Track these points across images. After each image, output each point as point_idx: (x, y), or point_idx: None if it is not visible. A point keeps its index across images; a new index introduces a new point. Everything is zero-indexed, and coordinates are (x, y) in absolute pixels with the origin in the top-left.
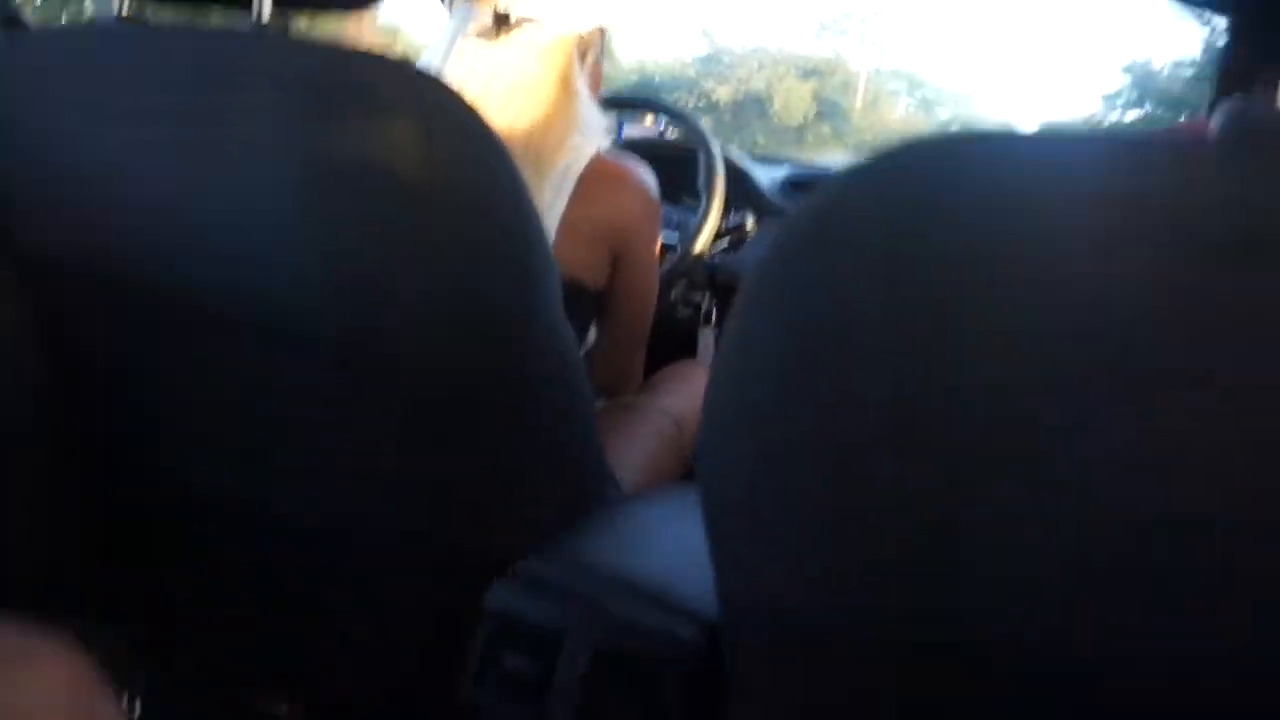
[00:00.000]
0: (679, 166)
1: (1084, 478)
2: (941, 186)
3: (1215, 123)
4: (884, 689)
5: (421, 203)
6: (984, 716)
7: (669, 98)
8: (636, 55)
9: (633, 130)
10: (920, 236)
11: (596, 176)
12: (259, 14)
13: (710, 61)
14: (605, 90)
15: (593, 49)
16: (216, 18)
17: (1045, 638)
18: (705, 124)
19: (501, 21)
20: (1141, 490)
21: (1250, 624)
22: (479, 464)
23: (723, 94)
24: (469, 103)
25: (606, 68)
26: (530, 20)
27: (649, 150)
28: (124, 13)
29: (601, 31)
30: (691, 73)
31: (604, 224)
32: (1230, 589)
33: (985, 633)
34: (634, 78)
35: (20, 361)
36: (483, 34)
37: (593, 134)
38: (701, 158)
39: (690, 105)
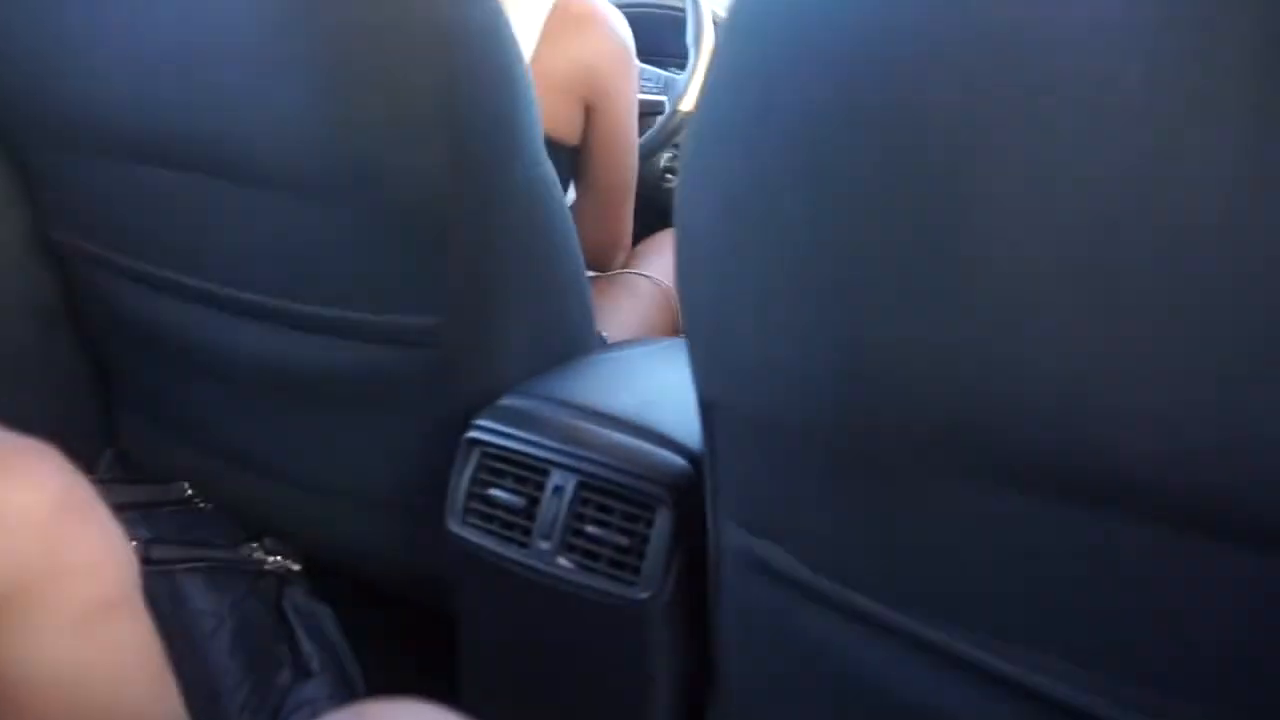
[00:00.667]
0: (667, 28)
1: (1093, 182)
2: None
3: None
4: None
5: (401, 17)
6: (990, 475)
7: None
8: None
9: None
10: None
11: (563, 17)
12: None
13: None
14: None
15: None
16: None
17: (1045, 370)
18: None
19: None
20: (1148, 221)
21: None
22: (460, 308)
23: None
24: None
25: None
26: None
27: (634, 10)
28: None
29: None
30: None
31: (575, 69)
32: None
33: (985, 376)
34: None
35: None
36: None
37: None
38: (690, 11)
39: None
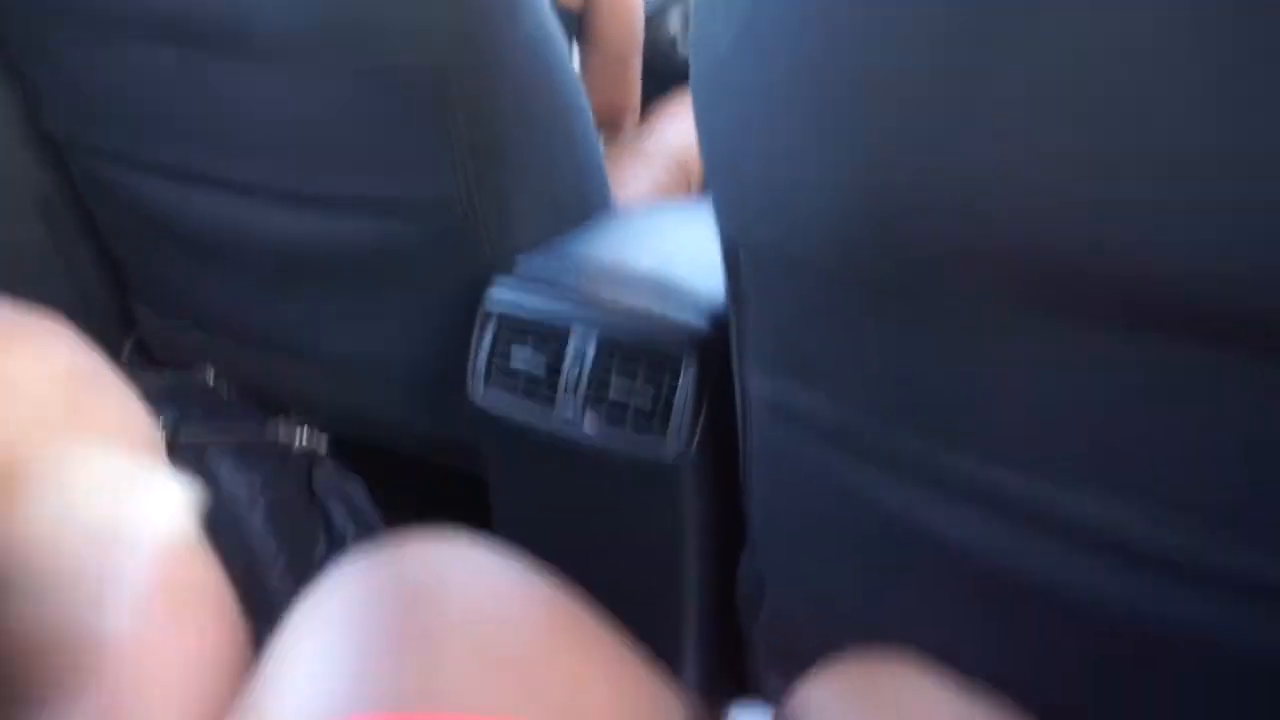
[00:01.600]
0: None
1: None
2: None
3: None
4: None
5: None
6: (994, 313)
7: None
8: None
9: None
10: None
11: None
12: None
13: None
14: None
15: None
16: None
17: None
18: None
19: None
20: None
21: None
22: (468, 174)
23: None
24: None
25: None
26: None
27: None
28: None
29: None
30: None
31: None
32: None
33: (1001, 194)
34: None
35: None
36: None
37: None
38: None
39: None
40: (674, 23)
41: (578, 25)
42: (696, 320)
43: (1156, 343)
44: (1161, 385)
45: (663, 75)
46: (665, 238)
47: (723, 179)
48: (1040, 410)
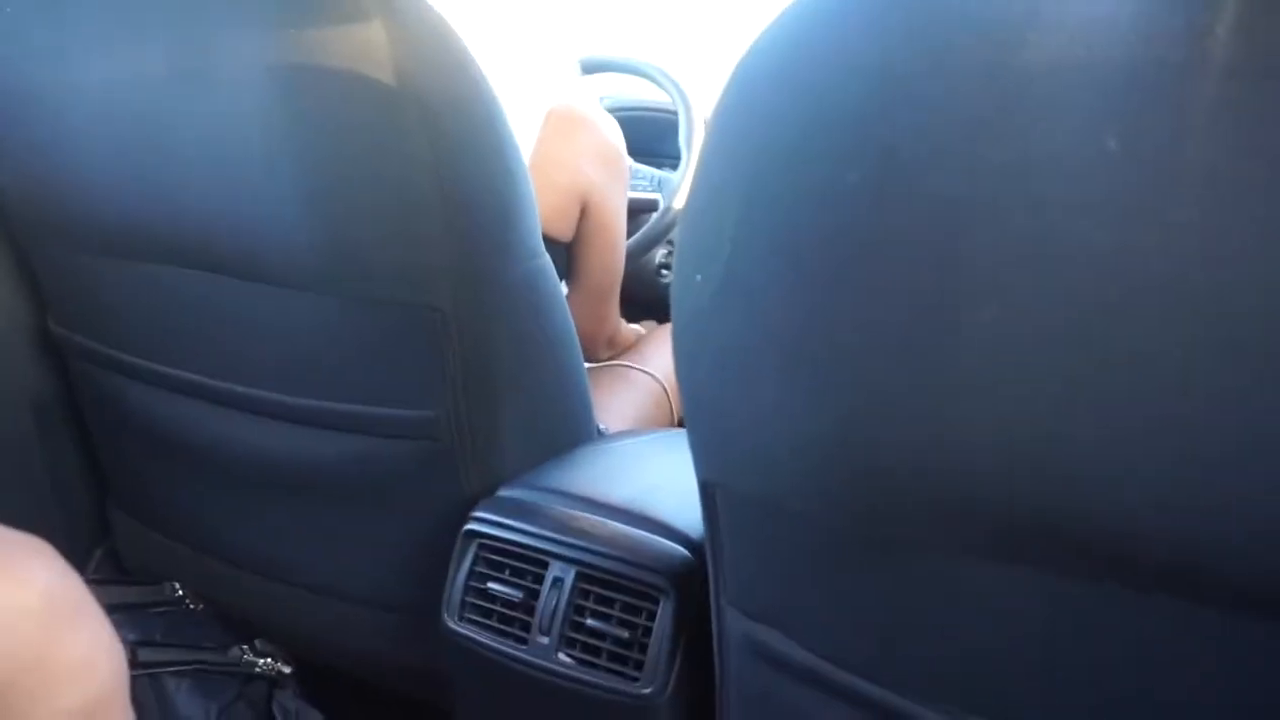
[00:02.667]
0: (661, 129)
1: (1088, 279)
2: None
3: None
4: (873, 532)
5: (389, 109)
6: (978, 552)
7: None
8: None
9: (612, 95)
10: (897, 30)
11: (559, 121)
12: None
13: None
14: (584, 58)
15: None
16: None
17: (1043, 460)
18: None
19: None
20: (1143, 297)
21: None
22: (457, 402)
23: None
24: (437, 11)
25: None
26: None
27: (630, 114)
28: None
29: None
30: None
31: (570, 170)
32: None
33: (976, 452)
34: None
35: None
36: None
37: (559, 78)
38: (681, 113)
39: None
40: (660, 253)
41: (565, 258)
42: (676, 553)
43: (1130, 598)
44: (1135, 638)
45: (649, 303)
46: (647, 467)
47: (702, 426)
48: (1021, 663)
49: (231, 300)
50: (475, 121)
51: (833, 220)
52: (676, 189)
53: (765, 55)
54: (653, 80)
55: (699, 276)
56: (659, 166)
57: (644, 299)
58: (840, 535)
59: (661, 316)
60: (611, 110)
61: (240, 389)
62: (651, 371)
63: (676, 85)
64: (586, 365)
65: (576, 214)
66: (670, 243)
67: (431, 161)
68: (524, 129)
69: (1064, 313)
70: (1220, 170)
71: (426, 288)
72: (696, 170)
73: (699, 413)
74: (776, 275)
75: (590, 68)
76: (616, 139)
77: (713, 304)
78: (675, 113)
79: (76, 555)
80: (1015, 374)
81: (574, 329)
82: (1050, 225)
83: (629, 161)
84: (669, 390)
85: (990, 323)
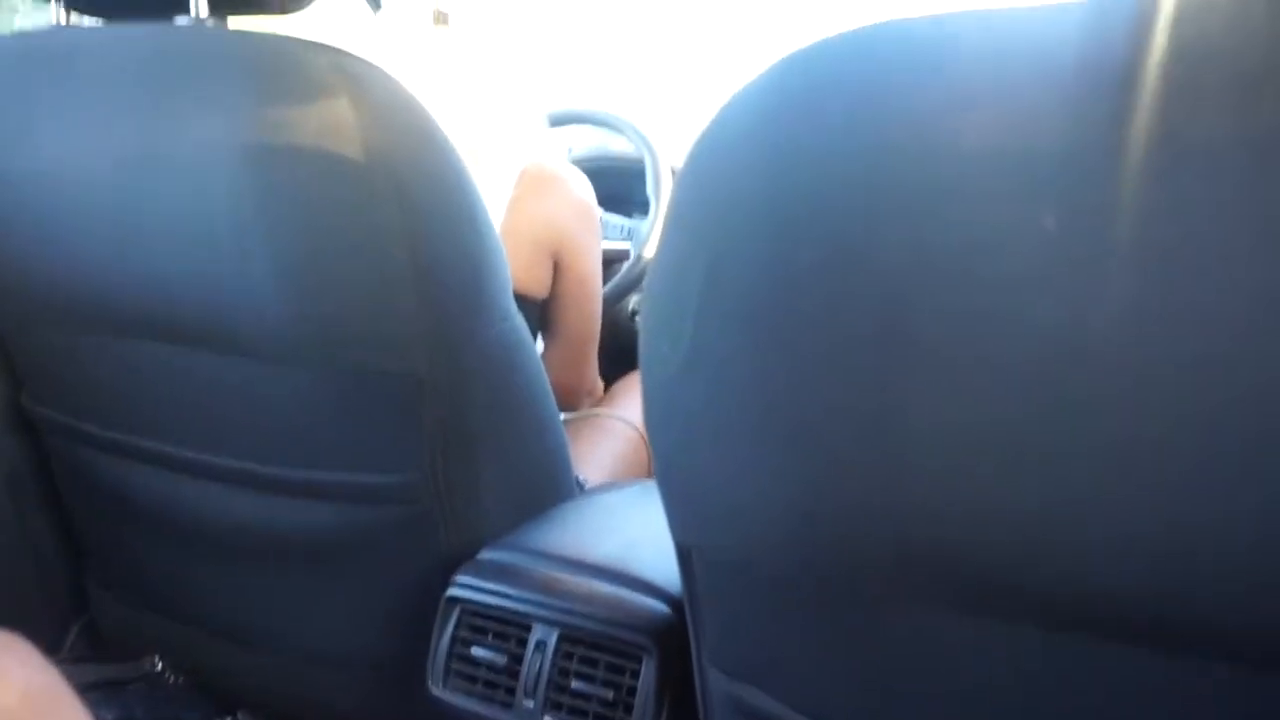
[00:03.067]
0: (628, 178)
1: (1030, 351)
2: (865, 70)
3: None
4: (851, 596)
5: (359, 183)
6: (941, 620)
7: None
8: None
9: (580, 147)
10: (863, 101)
11: (529, 181)
12: (195, 13)
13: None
14: (551, 111)
15: (527, 58)
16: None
17: (996, 528)
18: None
19: (439, 19)
20: (1083, 367)
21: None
22: (434, 467)
23: None
24: (402, 85)
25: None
26: (466, 21)
27: (598, 164)
28: (62, 20)
29: (536, 41)
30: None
31: (543, 229)
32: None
33: (934, 528)
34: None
35: None
36: (417, 30)
37: (529, 138)
38: (648, 164)
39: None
40: (633, 300)
41: (540, 313)
42: (658, 611)
43: (1084, 642)
44: (1103, 687)
45: (623, 349)
46: (627, 522)
47: (675, 490)
48: (998, 713)
49: (206, 373)
50: (445, 190)
51: (788, 298)
52: (646, 238)
53: (720, 139)
54: (617, 131)
55: (666, 347)
56: (629, 215)
57: (618, 346)
58: (815, 594)
59: (635, 363)
60: (579, 161)
61: (217, 460)
62: (627, 419)
63: (640, 135)
64: (562, 416)
65: (550, 271)
66: (640, 283)
67: (403, 232)
68: (496, 190)
69: (1006, 384)
70: (1147, 246)
71: (401, 355)
72: (659, 243)
73: (672, 477)
74: (739, 349)
75: (556, 120)
76: (587, 195)
77: (680, 374)
78: (641, 162)
79: (54, 630)
80: (964, 443)
81: (548, 385)
82: (992, 302)
83: (600, 213)
84: (645, 437)
85: (938, 395)
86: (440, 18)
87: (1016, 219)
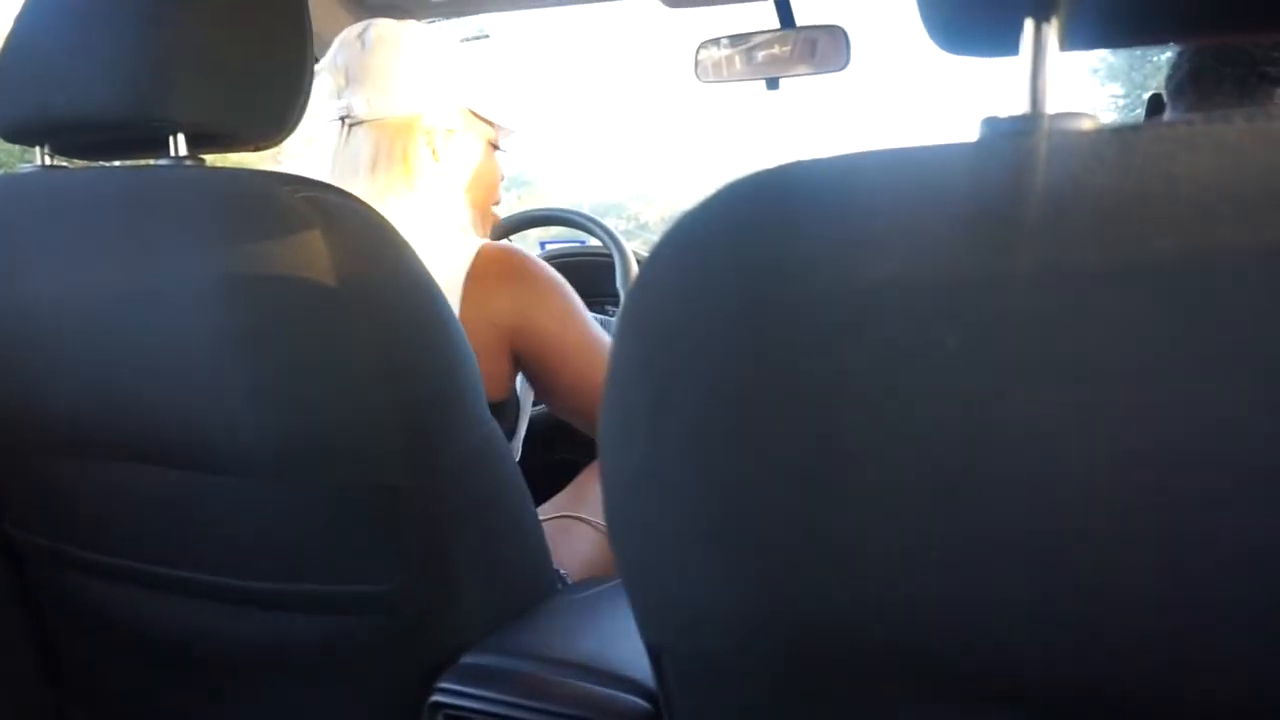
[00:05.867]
0: (599, 273)
1: (946, 457)
2: (780, 209)
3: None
4: (812, 689)
5: (333, 311)
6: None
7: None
8: (568, 194)
9: (554, 245)
10: (780, 242)
11: (482, 273)
12: (175, 152)
13: (636, 189)
14: (521, 212)
15: (458, 141)
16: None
17: (951, 619)
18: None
19: (342, 125)
20: (992, 468)
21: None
22: (414, 574)
23: (650, 215)
24: (375, 211)
25: (537, 202)
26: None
27: (570, 261)
28: (46, 163)
29: (480, 124)
30: (621, 198)
31: (501, 323)
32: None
33: (886, 624)
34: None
35: None
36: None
37: (472, 229)
38: (616, 259)
39: (622, 228)
40: None
41: (516, 414)
42: (638, 705)
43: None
44: None
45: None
46: (609, 619)
47: (639, 592)
48: None
49: (184, 491)
50: (417, 311)
51: (729, 418)
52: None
53: (664, 264)
54: (583, 228)
55: (620, 458)
56: (601, 309)
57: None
58: (782, 685)
59: None
60: (551, 255)
61: (195, 576)
62: (598, 522)
63: (608, 233)
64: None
65: (513, 368)
66: None
67: (377, 356)
68: (445, 285)
69: (928, 489)
70: (1034, 360)
71: (377, 471)
72: (611, 356)
73: (635, 580)
74: (687, 464)
75: (525, 221)
76: (546, 273)
77: (635, 485)
78: (609, 256)
79: None
80: (896, 539)
81: (524, 486)
82: (910, 415)
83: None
84: None
85: (871, 502)
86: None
87: (923, 340)
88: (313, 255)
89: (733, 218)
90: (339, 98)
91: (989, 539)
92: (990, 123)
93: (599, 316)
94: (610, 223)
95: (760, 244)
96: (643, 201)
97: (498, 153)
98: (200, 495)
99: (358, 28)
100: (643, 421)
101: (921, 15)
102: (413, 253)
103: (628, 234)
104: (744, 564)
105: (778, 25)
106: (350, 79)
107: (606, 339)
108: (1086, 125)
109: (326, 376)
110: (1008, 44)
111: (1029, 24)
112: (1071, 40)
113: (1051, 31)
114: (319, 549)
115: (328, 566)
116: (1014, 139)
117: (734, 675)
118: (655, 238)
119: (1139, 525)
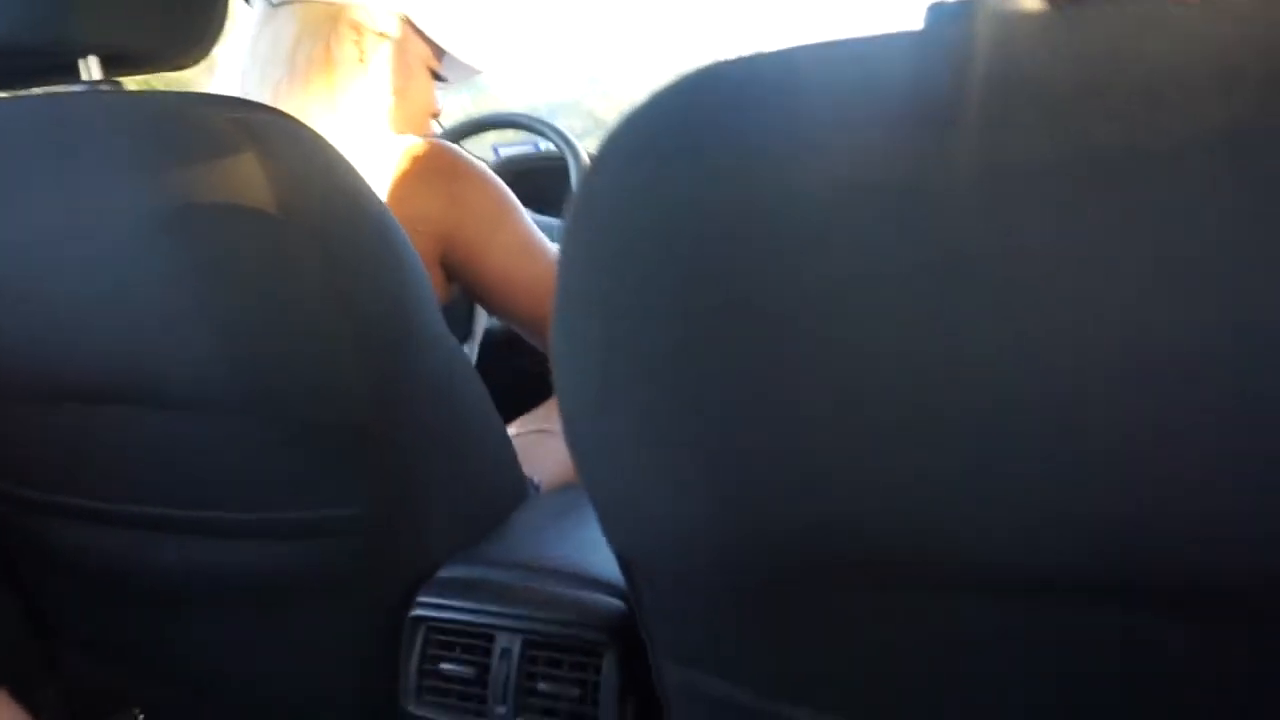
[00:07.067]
0: (556, 178)
1: (917, 357)
2: (722, 114)
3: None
4: (786, 596)
5: (278, 238)
6: (875, 612)
7: (555, 120)
8: (523, 93)
9: (508, 149)
10: (725, 147)
11: (408, 168)
12: (89, 76)
13: (594, 83)
14: (477, 114)
15: (389, 52)
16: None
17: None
18: (588, 149)
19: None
20: (953, 383)
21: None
22: (384, 495)
23: (608, 112)
24: (307, 127)
25: (489, 102)
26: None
27: (525, 168)
28: None
29: (419, 41)
30: (579, 95)
31: (431, 226)
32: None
33: (845, 519)
34: (521, 108)
35: None
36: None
37: (401, 126)
38: (571, 163)
39: (578, 127)
40: None
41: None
42: (614, 606)
43: (1015, 609)
44: (1045, 646)
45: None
46: (581, 524)
47: (603, 508)
48: (935, 678)
49: (149, 429)
50: (365, 234)
51: (684, 338)
52: None
53: (601, 186)
54: (537, 132)
55: (576, 383)
56: (557, 215)
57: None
58: (751, 589)
59: None
60: (507, 160)
61: (165, 512)
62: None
63: (562, 136)
64: (511, 430)
65: (439, 268)
66: None
67: (328, 284)
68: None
69: (885, 385)
70: (986, 268)
71: (341, 399)
72: (557, 283)
73: (599, 497)
74: (643, 390)
75: (481, 124)
76: (479, 167)
77: (594, 405)
78: (564, 159)
79: (25, 699)
80: (856, 452)
81: (488, 398)
82: (862, 315)
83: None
84: None
85: (823, 410)
86: None
87: (871, 243)
88: (250, 181)
89: (674, 124)
90: None
91: (949, 443)
92: (935, 8)
93: (554, 222)
94: (567, 121)
95: (704, 154)
96: (601, 96)
97: (437, 83)
98: (162, 432)
99: None
100: (595, 350)
101: None
102: (350, 168)
103: (585, 132)
104: (705, 485)
105: None
106: None
107: (548, 243)
108: (1032, 2)
109: (276, 309)
110: None
111: None
112: None
113: None
114: (287, 479)
115: (298, 494)
116: (957, 24)
117: (703, 580)
118: None
119: (1090, 412)
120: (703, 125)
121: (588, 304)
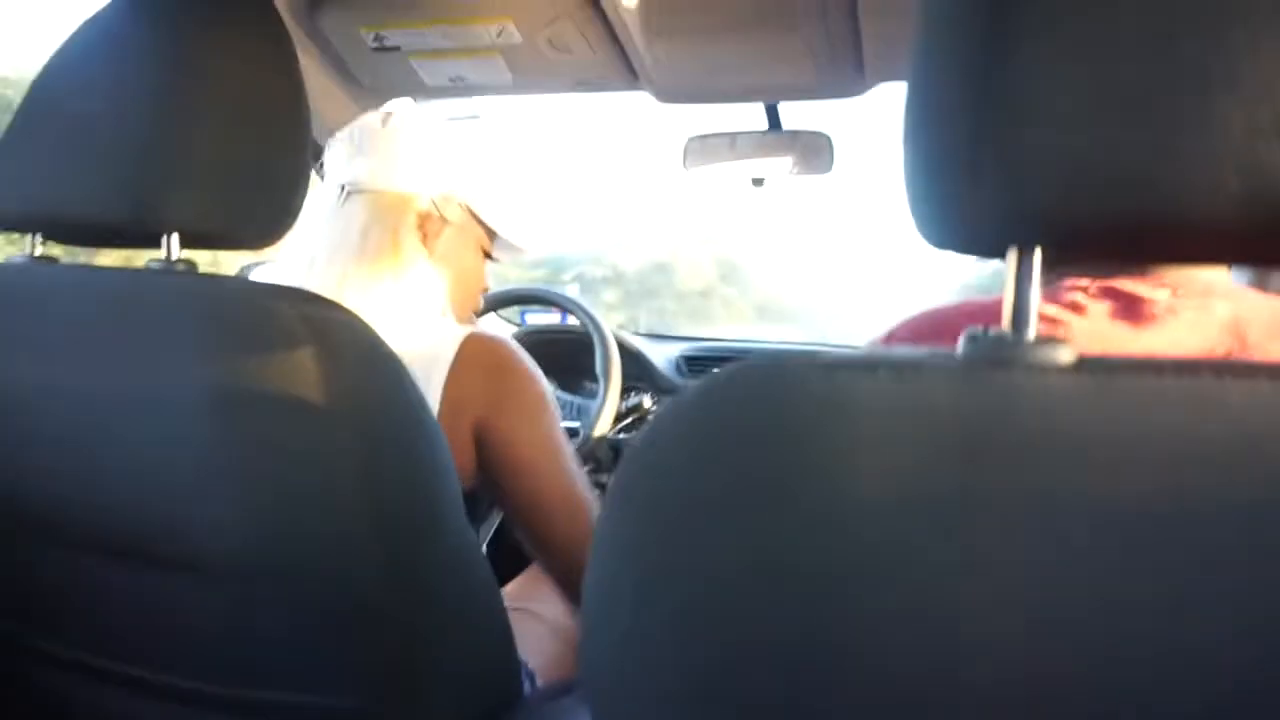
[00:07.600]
0: (579, 351)
1: (941, 656)
2: (773, 411)
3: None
4: None
5: (322, 427)
6: None
7: (578, 270)
8: (552, 245)
9: (535, 318)
10: (759, 452)
11: (469, 361)
12: (168, 254)
13: (616, 238)
14: (506, 284)
15: (451, 236)
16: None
17: None
18: (609, 299)
19: (340, 191)
20: (1000, 667)
21: None
22: (386, 691)
23: (628, 265)
24: (364, 324)
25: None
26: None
27: (549, 338)
28: (36, 254)
29: (476, 226)
30: (603, 246)
31: (476, 409)
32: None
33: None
34: (547, 254)
35: None
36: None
37: (456, 299)
38: (596, 343)
39: (599, 276)
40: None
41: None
42: None
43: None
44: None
45: None
46: None
47: None
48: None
49: (158, 590)
50: (405, 434)
51: (713, 601)
52: (596, 416)
53: (657, 453)
54: (565, 310)
55: (604, 625)
56: (580, 389)
57: None
58: None
59: None
60: (530, 332)
61: (160, 678)
62: (545, 613)
63: (587, 313)
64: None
65: (473, 450)
66: (589, 461)
67: (363, 481)
68: (426, 370)
69: (912, 681)
70: (1014, 578)
71: (355, 585)
72: (594, 542)
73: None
74: (670, 639)
75: (504, 300)
76: (524, 363)
77: (618, 649)
78: (588, 334)
79: None
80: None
81: (496, 588)
82: (895, 613)
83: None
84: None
85: (851, 689)
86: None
87: (910, 549)
88: (305, 377)
89: (727, 417)
90: (347, 164)
91: None
92: (973, 340)
93: (577, 399)
94: (590, 269)
95: (753, 445)
96: (623, 250)
97: (488, 262)
98: (171, 595)
99: (384, 109)
100: (628, 592)
101: (912, 214)
102: (403, 370)
103: (606, 280)
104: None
105: (766, 126)
106: (359, 148)
107: (573, 456)
108: (1064, 359)
109: (310, 497)
110: (996, 253)
111: (1013, 249)
112: (1060, 266)
113: (1036, 258)
114: (288, 656)
115: (296, 675)
116: (997, 369)
117: None
118: (634, 288)
119: None
120: (752, 422)
121: (621, 571)
